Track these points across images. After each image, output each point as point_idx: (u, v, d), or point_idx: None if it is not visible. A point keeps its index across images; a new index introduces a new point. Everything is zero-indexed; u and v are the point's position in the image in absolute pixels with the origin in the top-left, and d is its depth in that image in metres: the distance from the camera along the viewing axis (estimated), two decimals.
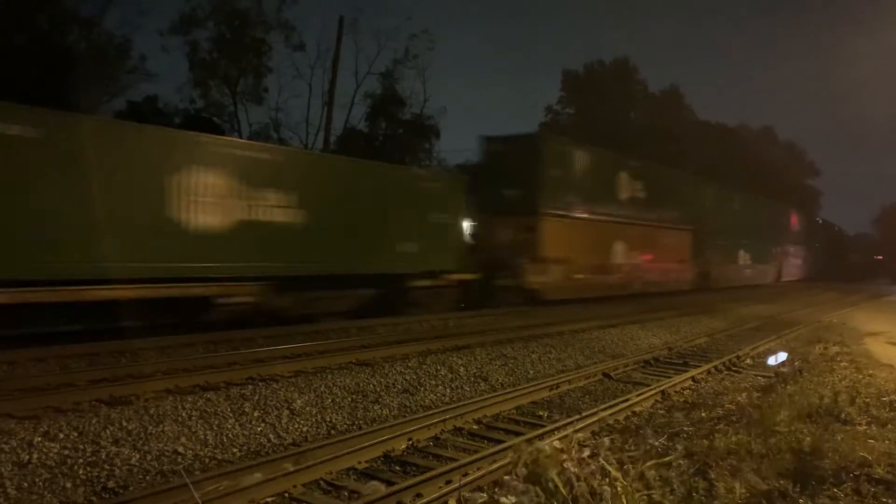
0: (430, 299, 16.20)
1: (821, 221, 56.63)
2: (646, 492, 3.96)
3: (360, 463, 5.69)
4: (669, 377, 9.69)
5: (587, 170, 21.80)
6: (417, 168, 20.27)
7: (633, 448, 5.79)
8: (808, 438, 5.76)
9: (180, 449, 5.87)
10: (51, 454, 5.49)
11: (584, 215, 21.25)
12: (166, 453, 5.75)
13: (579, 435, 6.48)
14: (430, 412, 7.19)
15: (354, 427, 6.89)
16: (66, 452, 5.55)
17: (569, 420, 6.93)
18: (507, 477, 4.62)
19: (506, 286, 18.49)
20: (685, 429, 6.61)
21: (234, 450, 6.03)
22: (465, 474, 5.26)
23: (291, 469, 5.21)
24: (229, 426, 6.53)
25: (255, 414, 6.95)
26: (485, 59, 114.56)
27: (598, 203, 22.02)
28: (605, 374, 9.94)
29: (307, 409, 7.29)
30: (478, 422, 7.18)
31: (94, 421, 6.31)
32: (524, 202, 19.43)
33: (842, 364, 10.55)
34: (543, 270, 19.24)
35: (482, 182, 20.03)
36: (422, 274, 15.82)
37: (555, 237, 19.61)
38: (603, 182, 22.66)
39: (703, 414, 7.31)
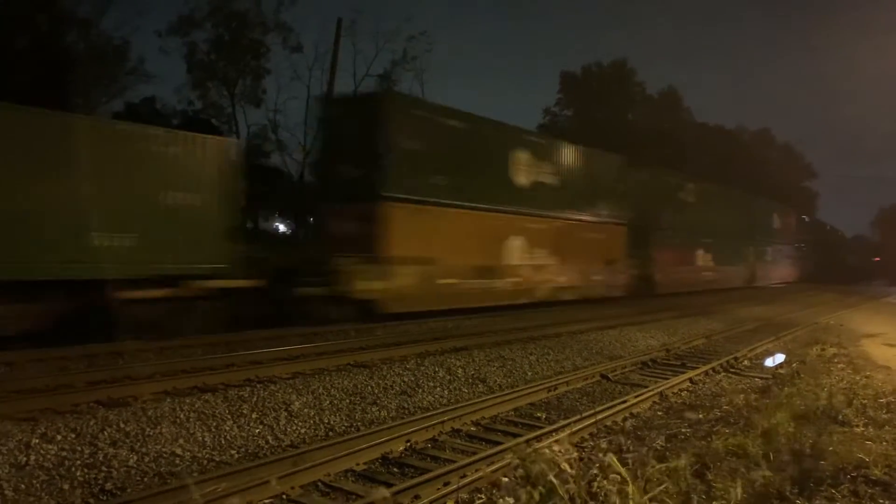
0: (163, 317, 11.28)
1: (807, 219, 51.09)
2: (648, 494, 3.96)
3: (358, 465, 5.69)
4: (667, 379, 9.69)
5: (464, 144, 16.62)
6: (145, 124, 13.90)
7: (631, 449, 5.80)
8: (806, 440, 5.76)
9: (178, 451, 5.87)
10: (48, 456, 5.49)
11: (460, 203, 16.44)
12: (164, 455, 5.75)
13: (577, 437, 6.49)
14: (428, 414, 7.19)
15: (352, 429, 6.89)
16: (64, 454, 5.55)
17: (567, 422, 6.93)
18: (504, 479, 4.63)
19: (317, 296, 13.60)
20: (683, 430, 6.63)
21: (233, 451, 6.03)
22: (464, 476, 5.27)
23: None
24: (227, 428, 6.53)
25: (254, 415, 6.95)
26: (483, 60, 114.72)
27: (481, 188, 17.16)
28: (603, 376, 9.94)
29: (305, 410, 7.29)
30: (476, 423, 7.18)
31: (91, 423, 6.31)
32: (363, 184, 14.80)
33: (839, 366, 10.55)
34: (384, 274, 14.46)
35: (319, 159, 16.48)
36: (146, 280, 11.12)
37: (407, 231, 14.96)
38: (490, 162, 17.61)
39: (701, 415, 7.33)
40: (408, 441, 6.29)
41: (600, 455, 4.74)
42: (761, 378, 10.07)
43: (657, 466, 4.39)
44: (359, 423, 7.09)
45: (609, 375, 10.00)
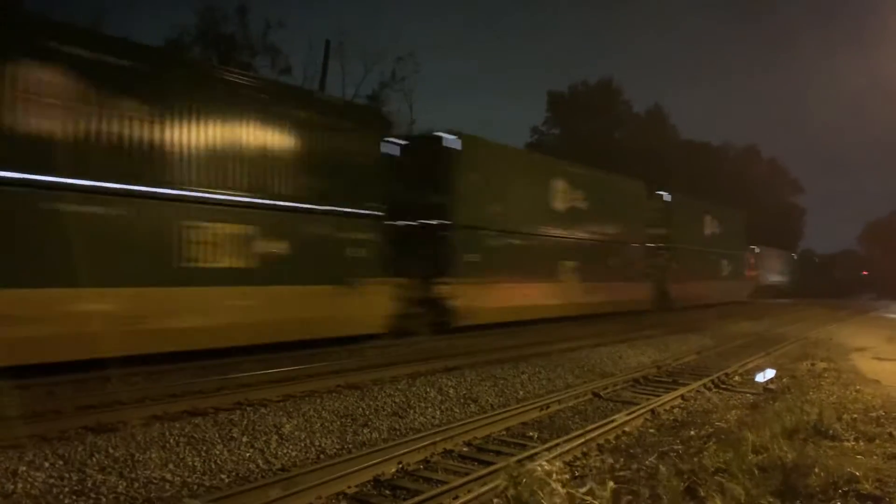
0: None
1: (739, 215, 39.16)
2: None
3: (349, 487, 5.64)
4: (659, 396, 9.70)
5: None
6: None
7: (623, 468, 5.80)
8: (796, 455, 5.78)
9: (168, 476, 5.81)
10: (36, 483, 5.42)
11: None
12: (154, 480, 5.69)
13: (569, 455, 6.48)
14: (420, 435, 7.15)
15: (344, 451, 6.85)
16: (52, 481, 5.48)
17: (558, 441, 6.92)
18: (496, 500, 4.62)
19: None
20: (675, 447, 6.63)
21: (223, 476, 5.97)
22: (456, 497, 5.24)
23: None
24: (217, 452, 6.48)
25: (244, 439, 6.90)
26: (471, 80, 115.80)
27: None
28: (595, 394, 9.94)
29: (296, 433, 7.24)
30: (468, 444, 7.15)
31: (80, 448, 6.24)
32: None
33: (829, 380, 10.62)
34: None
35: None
36: None
37: None
38: None
39: (693, 432, 7.34)
40: (400, 463, 6.25)
41: (589, 474, 4.74)
42: (752, 394, 10.10)
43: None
44: (350, 446, 7.05)
45: (601, 393, 9.99)
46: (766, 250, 48.26)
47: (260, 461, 6.40)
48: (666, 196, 29.16)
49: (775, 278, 50.66)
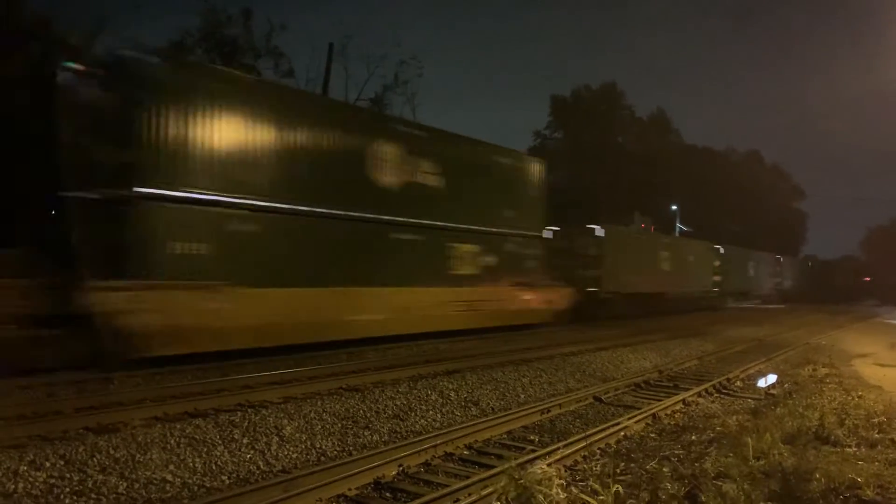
0: None
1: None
2: None
3: (350, 490, 5.64)
4: (660, 400, 9.69)
5: None
6: None
7: (624, 472, 5.79)
8: (797, 461, 5.77)
9: (168, 477, 5.81)
10: (37, 483, 5.43)
11: None
12: (154, 481, 5.69)
13: (570, 459, 6.48)
14: (421, 438, 7.15)
15: (344, 453, 6.84)
16: (53, 481, 5.49)
17: (559, 445, 6.91)
18: (497, 503, 4.62)
19: None
20: (676, 452, 6.62)
21: (223, 477, 5.97)
22: (457, 500, 5.23)
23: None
24: (218, 453, 6.48)
25: (245, 441, 6.90)
26: (474, 84, 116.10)
27: None
28: (596, 398, 9.93)
29: (297, 435, 7.24)
30: (469, 447, 7.14)
31: (81, 449, 6.25)
32: None
33: (831, 386, 10.59)
34: None
35: None
36: None
37: None
38: None
39: (694, 437, 7.32)
40: (400, 465, 6.25)
41: (590, 478, 4.73)
42: (754, 399, 10.09)
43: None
44: (351, 448, 7.05)
45: (602, 397, 9.98)
46: (627, 235, 28.38)
47: (261, 463, 6.40)
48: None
49: (668, 281, 29.92)
